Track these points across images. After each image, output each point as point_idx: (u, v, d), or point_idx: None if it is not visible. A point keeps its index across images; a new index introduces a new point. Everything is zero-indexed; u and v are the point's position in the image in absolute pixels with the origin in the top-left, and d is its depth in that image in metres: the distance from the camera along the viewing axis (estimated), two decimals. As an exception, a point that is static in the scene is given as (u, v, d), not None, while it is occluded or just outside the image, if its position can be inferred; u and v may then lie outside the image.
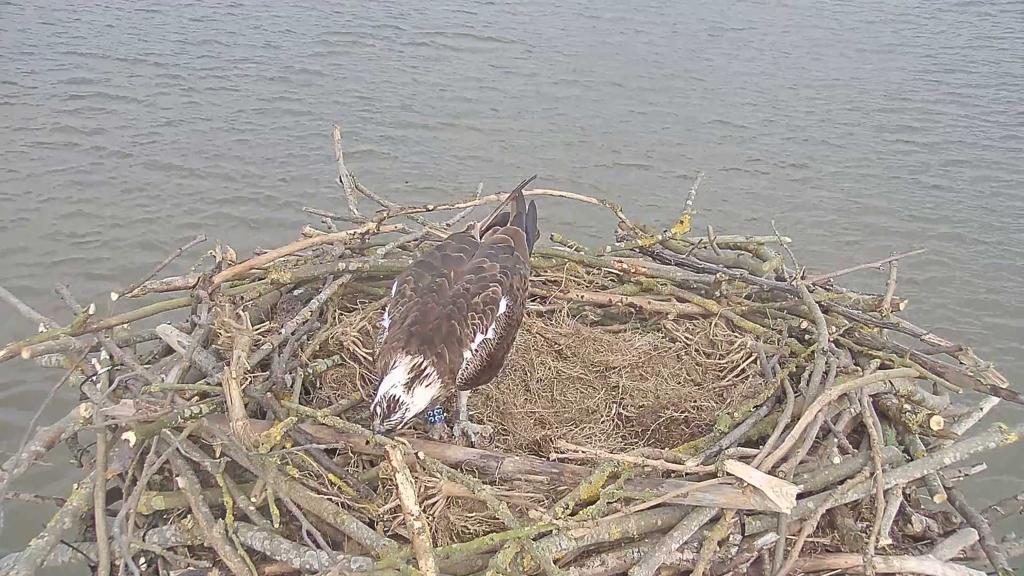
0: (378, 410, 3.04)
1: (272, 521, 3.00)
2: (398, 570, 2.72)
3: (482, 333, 3.24)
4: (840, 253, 9.53)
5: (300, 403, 3.38)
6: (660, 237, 4.97)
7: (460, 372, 3.19)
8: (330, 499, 3.05)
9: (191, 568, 3.13)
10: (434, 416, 3.51)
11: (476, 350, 3.22)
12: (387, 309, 3.38)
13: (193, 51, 15.08)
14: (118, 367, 3.63)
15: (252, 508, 3.10)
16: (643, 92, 14.67)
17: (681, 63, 16.30)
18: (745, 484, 2.93)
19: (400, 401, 3.04)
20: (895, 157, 12.69)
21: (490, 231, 3.77)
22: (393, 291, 3.42)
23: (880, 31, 19.09)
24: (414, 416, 3.14)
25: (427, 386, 3.09)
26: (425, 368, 3.08)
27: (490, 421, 3.69)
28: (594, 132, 13.03)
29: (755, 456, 3.12)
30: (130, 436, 2.94)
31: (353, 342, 3.85)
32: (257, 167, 11.29)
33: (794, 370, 3.86)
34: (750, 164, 12.29)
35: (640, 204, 10.31)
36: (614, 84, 14.97)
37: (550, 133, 12.90)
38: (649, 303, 4.48)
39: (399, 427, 3.09)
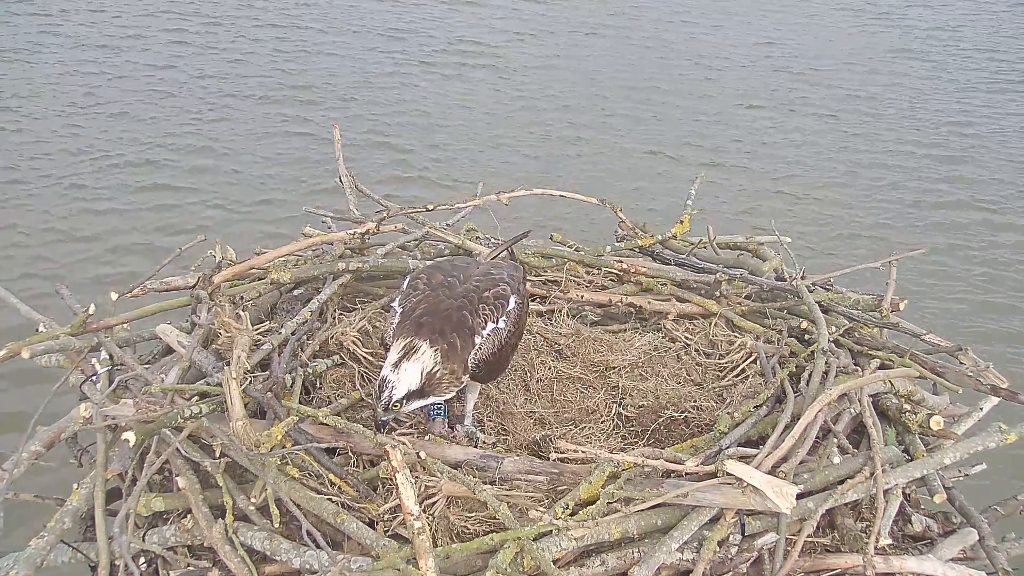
0: (373, 394, 3.07)
1: (272, 521, 2.99)
2: (398, 570, 2.71)
3: (493, 322, 3.31)
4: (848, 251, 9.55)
5: (300, 403, 3.38)
6: (660, 237, 4.97)
7: (472, 355, 3.22)
8: (330, 499, 3.04)
9: (191, 568, 3.12)
10: (435, 413, 3.51)
11: (488, 335, 3.28)
12: (397, 299, 3.44)
13: (195, 55, 15.08)
14: (118, 367, 3.63)
15: (252, 508, 3.09)
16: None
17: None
18: (745, 484, 2.93)
19: (387, 380, 3.07)
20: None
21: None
22: (405, 284, 3.49)
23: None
24: (412, 400, 3.13)
25: (414, 360, 3.09)
26: (417, 345, 3.11)
27: (490, 421, 3.69)
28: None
29: (755, 456, 3.11)
30: (130, 436, 2.94)
31: (353, 342, 3.85)
32: (257, 166, 11.28)
33: (794, 370, 3.85)
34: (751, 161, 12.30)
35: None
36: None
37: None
38: (649, 303, 4.48)
39: (392, 407, 3.08)
